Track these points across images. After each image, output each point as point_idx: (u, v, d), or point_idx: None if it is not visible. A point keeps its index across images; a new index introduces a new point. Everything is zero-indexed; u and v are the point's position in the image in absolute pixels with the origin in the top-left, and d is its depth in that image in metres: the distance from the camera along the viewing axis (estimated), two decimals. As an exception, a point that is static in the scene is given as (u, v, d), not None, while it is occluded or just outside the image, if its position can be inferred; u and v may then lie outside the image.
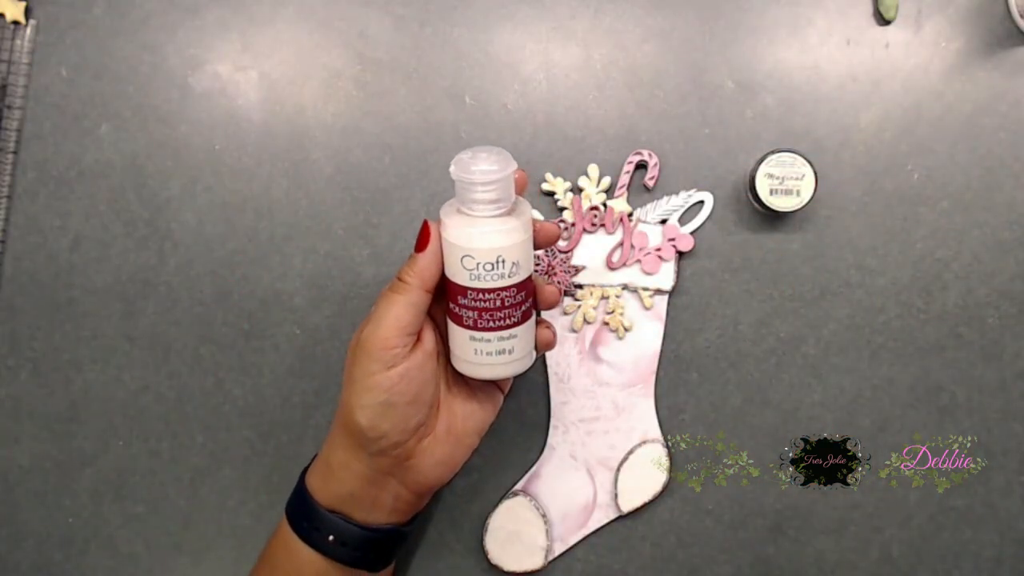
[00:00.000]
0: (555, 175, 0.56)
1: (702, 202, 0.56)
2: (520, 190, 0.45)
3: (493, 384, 0.49)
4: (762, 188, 0.54)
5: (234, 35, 0.58)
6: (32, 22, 0.59)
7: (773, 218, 0.57)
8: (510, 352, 0.44)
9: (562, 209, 0.56)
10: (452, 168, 0.42)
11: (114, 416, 0.58)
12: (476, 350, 0.44)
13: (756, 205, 0.55)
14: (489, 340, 0.43)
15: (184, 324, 0.58)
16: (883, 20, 0.57)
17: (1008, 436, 0.56)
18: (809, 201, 0.54)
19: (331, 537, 0.47)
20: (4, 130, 0.58)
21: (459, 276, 0.43)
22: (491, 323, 0.43)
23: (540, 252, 0.54)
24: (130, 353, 0.58)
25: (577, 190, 0.56)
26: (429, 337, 0.46)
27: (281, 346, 0.58)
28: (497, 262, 0.42)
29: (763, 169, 0.54)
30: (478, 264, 0.42)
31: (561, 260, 0.55)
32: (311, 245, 0.58)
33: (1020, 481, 0.56)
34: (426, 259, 0.44)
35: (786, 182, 0.54)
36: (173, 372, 0.58)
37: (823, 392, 0.57)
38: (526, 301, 0.44)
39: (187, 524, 0.58)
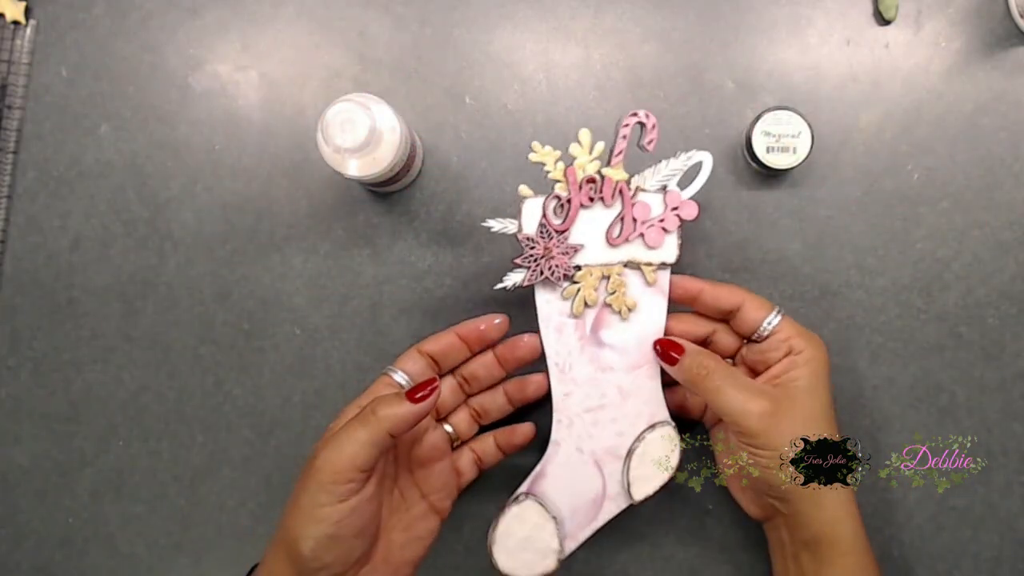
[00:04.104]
0: (543, 144, 0.50)
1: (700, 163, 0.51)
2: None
3: (432, 512, 0.50)
4: (759, 146, 0.54)
5: (234, 35, 0.58)
6: (32, 22, 0.59)
7: (774, 218, 0.57)
8: None
9: (555, 183, 0.50)
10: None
11: (114, 416, 0.58)
12: None
13: (753, 164, 0.55)
14: None
15: (184, 324, 0.58)
16: (883, 20, 0.57)
17: (1008, 436, 0.56)
18: (806, 158, 0.54)
19: None
20: (4, 130, 0.58)
21: None
22: None
23: (535, 236, 0.50)
24: (130, 353, 0.58)
25: (569, 159, 0.50)
26: (379, 466, 0.46)
27: (281, 346, 0.58)
28: None
29: (759, 127, 0.54)
30: None
31: (557, 241, 0.50)
32: (311, 245, 0.58)
33: (1020, 481, 0.56)
34: (412, 413, 0.44)
35: (782, 139, 0.54)
36: (173, 372, 0.58)
37: (823, 392, 0.57)
38: None
39: (187, 524, 0.58)
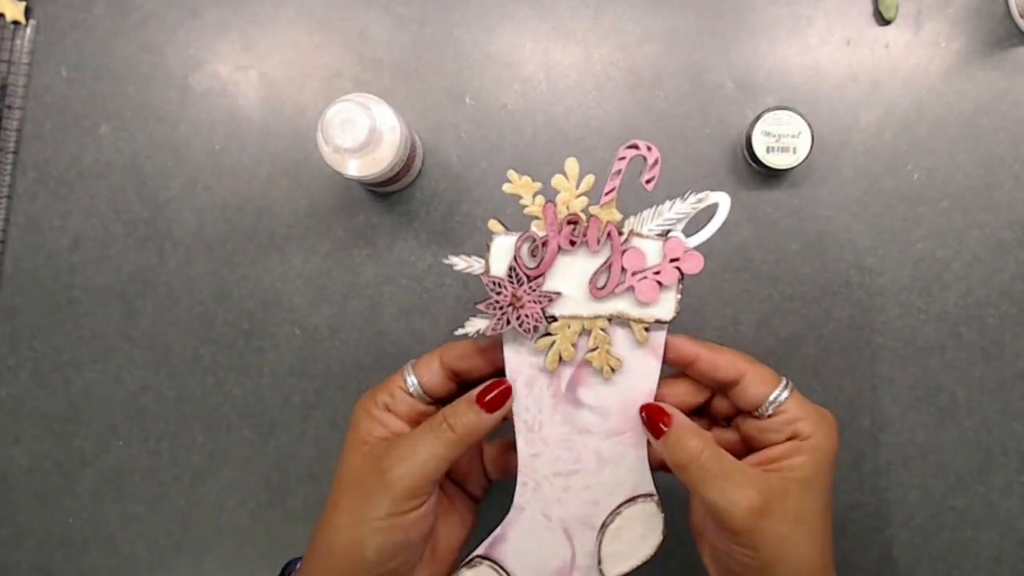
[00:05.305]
0: (521, 174, 0.42)
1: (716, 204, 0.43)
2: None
3: (467, 496, 0.48)
4: (759, 146, 0.54)
5: (234, 35, 0.58)
6: (32, 22, 0.59)
7: (774, 218, 0.57)
8: None
9: (533, 219, 0.42)
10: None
11: (114, 416, 0.58)
12: None
13: (753, 164, 0.55)
14: None
15: (184, 324, 0.58)
16: (883, 20, 0.57)
17: (1008, 436, 0.56)
18: (806, 158, 0.54)
19: None
20: (4, 130, 0.58)
21: None
22: None
23: (503, 280, 0.42)
24: (130, 353, 0.58)
25: (553, 192, 0.42)
26: None
27: (281, 346, 0.58)
28: None
29: (759, 127, 0.54)
30: None
31: (529, 288, 0.42)
32: (311, 245, 0.58)
33: (1020, 481, 0.56)
34: (486, 423, 0.42)
35: (782, 139, 0.54)
36: (173, 372, 0.58)
37: (823, 392, 0.57)
38: None
39: (187, 524, 0.58)
